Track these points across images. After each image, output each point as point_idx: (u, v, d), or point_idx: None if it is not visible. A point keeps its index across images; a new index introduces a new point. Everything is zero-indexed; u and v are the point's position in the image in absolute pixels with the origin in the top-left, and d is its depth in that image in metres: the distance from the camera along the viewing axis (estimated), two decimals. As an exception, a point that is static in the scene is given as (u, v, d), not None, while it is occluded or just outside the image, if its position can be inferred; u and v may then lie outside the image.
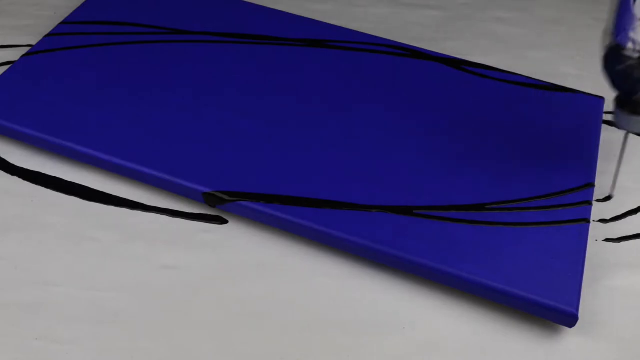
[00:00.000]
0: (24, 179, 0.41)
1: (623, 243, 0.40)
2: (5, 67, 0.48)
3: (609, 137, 0.46)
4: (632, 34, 0.33)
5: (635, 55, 0.33)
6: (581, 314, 0.36)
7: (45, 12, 0.53)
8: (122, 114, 0.42)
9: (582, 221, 0.38)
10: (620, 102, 0.36)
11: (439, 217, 0.38)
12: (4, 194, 0.40)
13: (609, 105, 0.48)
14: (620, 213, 0.41)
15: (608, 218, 0.41)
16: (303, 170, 0.40)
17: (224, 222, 0.40)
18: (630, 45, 0.33)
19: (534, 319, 0.36)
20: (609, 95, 0.49)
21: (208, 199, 0.39)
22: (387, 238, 0.37)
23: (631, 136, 0.47)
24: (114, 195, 0.41)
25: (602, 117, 0.44)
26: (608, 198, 0.41)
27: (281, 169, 0.40)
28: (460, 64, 0.48)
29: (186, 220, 0.40)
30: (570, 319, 0.34)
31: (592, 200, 0.39)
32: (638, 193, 0.43)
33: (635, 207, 0.42)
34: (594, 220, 0.41)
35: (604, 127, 0.47)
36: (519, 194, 0.39)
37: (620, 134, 0.46)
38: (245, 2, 0.52)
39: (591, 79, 0.50)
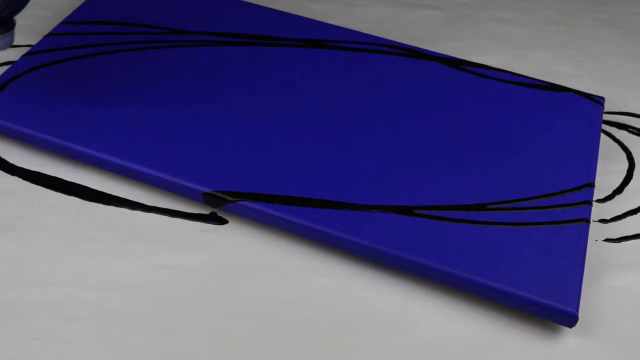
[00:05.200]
0: (24, 179, 0.41)
1: (623, 243, 0.40)
2: (5, 67, 0.48)
3: (609, 137, 0.46)
4: None
5: None
6: (581, 314, 0.36)
7: (45, 12, 0.53)
8: (122, 113, 0.42)
9: (582, 221, 0.38)
10: None
11: (439, 217, 0.38)
12: (4, 194, 0.40)
13: (609, 105, 0.48)
14: (620, 213, 0.41)
15: (608, 218, 0.41)
16: (303, 170, 0.40)
17: (224, 222, 0.40)
18: None
19: (534, 319, 0.36)
20: (609, 95, 0.49)
21: (208, 199, 0.39)
22: (387, 238, 0.37)
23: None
24: (114, 195, 0.41)
25: (602, 117, 0.44)
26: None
27: (281, 169, 0.40)
28: (460, 64, 0.48)
29: (186, 220, 0.40)
30: (570, 319, 0.34)
31: (592, 200, 0.39)
32: (638, 193, 0.43)
33: (635, 207, 0.42)
34: (594, 220, 0.41)
35: (604, 127, 0.47)
36: (519, 194, 0.39)
37: (622, 133, 0.46)
38: (245, 2, 0.52)
39: (591, 79, 0.50)
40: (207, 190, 0.39)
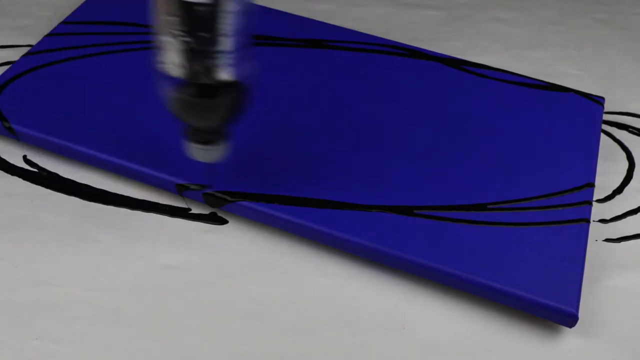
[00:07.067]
0: (24, 179, 0.41)
1: (623, 243, 0.40)
2: (5, 67, 0.48)
3: (609, 137, 0.46)
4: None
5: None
6: (581, 314, 0.36)
7: (45, 12, 0.53)
8: (123, 113, 0.42)
9: (582, 221, 0.38)
10: (188, 133, 0.34)
11: (439, 217, 0.38)
12: (4, 194, 0.40)
13: (609, 105, 0.48)
14: (620, 213, 0.41)
15: (608, 218, 0.41)
16: (303, 170, 0.40)
17: (224, 222, 0.40)
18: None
19: (534, 319, 0.36)
20: (609, 95, 0.49)
21: (208, 199, 0.39)
22: (387, 238, 0.37)
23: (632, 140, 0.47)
24: (114, 195, 0.41)
25: (602, 117, 0.44)
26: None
27: (281, 169, 0.40)
28: (460, 64, 0.48)
29: (186, 220, 0.40)
30: (570, 319, 0.34)
31: (592, 200, 0.39)
32: (638, 193, 0.43)
33: (635, 207, 0.42)
34: (594, 220, 0.41)
35: (604, 127, 0.47)
36: (519, 194, 0.39)
37: (622, 133, 0.46)
38: (245, 2, 0.52)
39: (591, 79, 0.50)
40: (207, 190, 0.39)
